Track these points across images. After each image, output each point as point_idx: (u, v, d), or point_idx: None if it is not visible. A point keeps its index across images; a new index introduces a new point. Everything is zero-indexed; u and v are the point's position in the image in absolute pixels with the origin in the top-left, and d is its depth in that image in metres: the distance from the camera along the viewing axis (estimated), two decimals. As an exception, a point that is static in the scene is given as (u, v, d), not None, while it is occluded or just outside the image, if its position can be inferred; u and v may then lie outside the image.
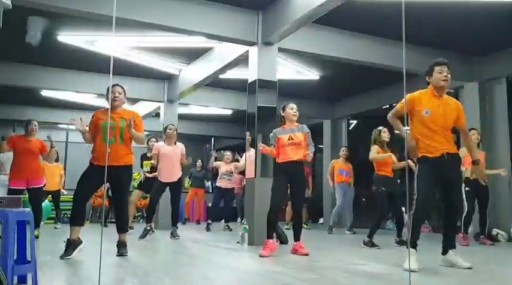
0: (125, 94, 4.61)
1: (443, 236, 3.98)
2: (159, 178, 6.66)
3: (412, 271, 3.47)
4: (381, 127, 6.00)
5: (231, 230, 8.61)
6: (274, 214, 4.82)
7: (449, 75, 3.87)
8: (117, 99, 4.50)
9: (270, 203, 4.83)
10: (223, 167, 8.71)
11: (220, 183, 8.67)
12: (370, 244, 5.64)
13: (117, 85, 4.58)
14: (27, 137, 6.12)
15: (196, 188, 10.53)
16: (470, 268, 3.78)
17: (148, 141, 7.67)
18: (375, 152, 5.89)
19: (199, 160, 10.94)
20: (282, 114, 5.09)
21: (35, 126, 6.15)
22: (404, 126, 4.03)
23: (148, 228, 6.53)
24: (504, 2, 5.97)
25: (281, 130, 5.00)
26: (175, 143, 6.74)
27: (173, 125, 6.93)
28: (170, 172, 6.61)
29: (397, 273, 3.62)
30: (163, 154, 6.63)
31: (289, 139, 4.88)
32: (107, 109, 4.62)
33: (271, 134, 5.07)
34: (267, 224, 4.81)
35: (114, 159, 4.28)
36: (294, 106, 5.07)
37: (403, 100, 3.87)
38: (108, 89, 4.44)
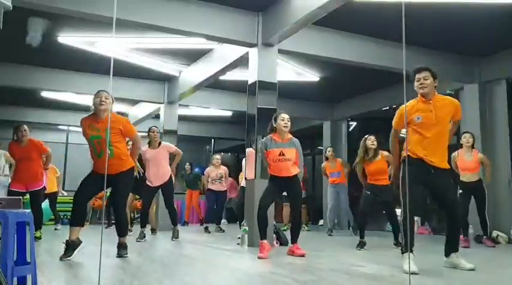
0: (112, 101, 4.45)
1: (446, 239, 3.98)
2: (147, 184, 6.60)
3: (413, 273, 3.47)
4: (367, 135, 5.96)
5: (223, 231, 8.69)
6: (261, 215, 4.83)
7: (426, 81, 3.84)
8: (103, 103, 4.33)
9: (258, 204, 4.89)
10: (213, 172, 8.77)
11: (212, 186, 8.75)
12: (361, 245, 5.67)
13: (102, 91, 4.43)
14: (20, 143, 6.07)
15: (191, 190, 10.55)
16: (472, 269, 3.78)
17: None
18: (357, 167, 5.97)
19: (188, 164, 10.95)
20: (274, 125, 4.95)
21: (24, 130, 6.05)
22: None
23: (144, 232, 6.54)
24: (504, 3, 5.97)
25: (272, 143, 4.89)
26: (159, 145, 6.65)
27: (156, 127, 6.82)
28: (157, 175, 6.54)
29: (397, 275, 3.61)
30: (148, 158, 6.55)
31: (280, 155, 4.83)
32: (92, 114, 4.47)
33: (260, 144, 5.02)
34: (258, 225, 4.83)
35: (109, 169, 4.24)
36: (286, 116, 4.92)
37: (394, 119, 3.98)
38: (95, 95, 4.41)
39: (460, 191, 6.22)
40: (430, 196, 4.09)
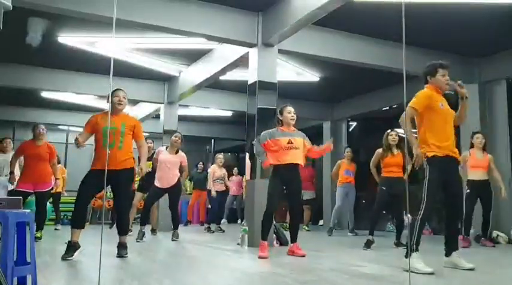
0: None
1: (445, 238, 3.97)
2: (156, 184, 6.64)
3: (429, 273, 3.49)
4: (389, 130, 6.08)
5: (223, 231, 8.69)
6: (269, 217, 4.87)
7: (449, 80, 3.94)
8: (121, 102, 4.50)
9: (266, 207, 4.87)
10: (216, 172, 8.84)
11: (216, 187, 8.80)
12: (368, 244, 5.67)
13: (121, 89, 4.57)
14: (36, 141, 6.14)
15: (199, 191, 10.48)
16: (472, 269, 3.78)
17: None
18: (374, 157, 6.05)
19: (201, 162, 10.93)
20: (280, 117, 5.04)
21: (42, 129, 6.17)
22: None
23: (143, 230, 6.54)
24: (504, 3, 5.97)
25: (279, 132, 4.94)
26: (177, 152, 6.75)
27: (179, 133, 6.95)
28: (167, 178, 6.62)
29: (397, 275, 3.62)
30: (163, 160, 6.64)
31: (288, 143, 4.87)
32: (107, 112, 4.60)
33: (264, 134, 4.95)
34: (262, 227, 4.84)
35: (114, 164, 4.28)
36: (292, 109, 5.02)
37: (416, 99, 3.83)
38: (112, 92, 4.48)
39: (468, 190, 6.22)
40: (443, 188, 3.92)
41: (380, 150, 6.03)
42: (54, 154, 6.30)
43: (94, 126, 4.48)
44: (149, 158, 7.22)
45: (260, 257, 4.57)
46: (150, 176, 6.69)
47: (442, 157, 3.78)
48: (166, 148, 6.87)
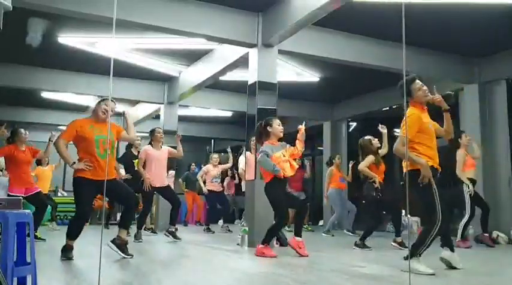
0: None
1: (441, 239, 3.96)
2: (151, 185, 6.50)
3: (430, 274, 3.47)
4: (368, 136, 6.01)
5: (231, 231, 8.67)
6: (281, 227, 5.02)
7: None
8: (107, 113, 4.38)
9: (278, 218, 4.92)
10: (211, 171, 8.78)
11: (212, 187, 8.74)
12: (362, 246, 5.72)
13: (111, 100, 4.51)
14: (21, 146, 5.92)
15: (193, 192, 10.49)
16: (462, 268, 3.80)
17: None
18: (367, 162, 5.84)
19: (193, 164, 10.94)
20: (269, 129, 4.94)
21: (26, 133, 5.98)
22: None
23: (141, 232, 6.53)
24: (504, 3, 5.97)
25: (274, 147, 4.91)
26: (161, 147, 6.70)
27: (160, 128, 6.92)
28: (160, 176, 6.57)
29: (397, 275, 3.62)
30: (155, 158, 6.54)
31: (283, 156, 4.90)
32: (89, 118, 4.51)
33: (266, 149, 4.83)
34: (270, 234, 4.87)
35: (108, 173, 4.29)
36: (279, 122, 5.04)
37: (409, 124, 3.72)
38: (100, 102, 4.48)
39: (471, 193, 6.13)
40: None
41: (373, 157, 5.86)
42: (38, 150, 6.14)
43: (81, 132, 4.30)
44: (136, 156, 7.24)
45: (271, 256, 4.61)
46: (137, 178, 6.73)
47: (433, 166, 3.73)
48: (149, 144, 6.73)
